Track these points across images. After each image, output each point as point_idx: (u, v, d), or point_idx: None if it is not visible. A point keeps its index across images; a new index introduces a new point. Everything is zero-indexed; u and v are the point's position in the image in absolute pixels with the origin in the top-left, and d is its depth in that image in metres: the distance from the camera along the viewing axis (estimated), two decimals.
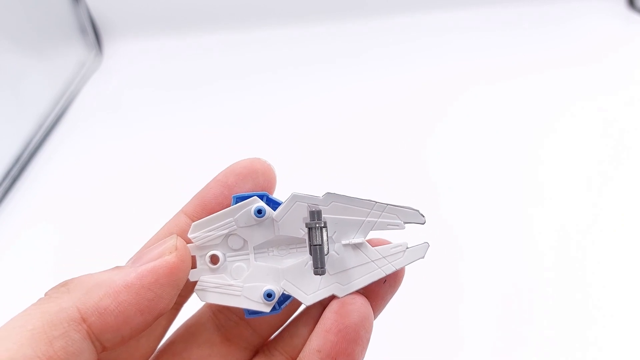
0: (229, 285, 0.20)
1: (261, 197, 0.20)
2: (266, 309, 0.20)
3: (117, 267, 0.18)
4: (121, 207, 0.49)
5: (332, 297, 0.20)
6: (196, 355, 0.21)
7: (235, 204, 0.20)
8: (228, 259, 0.20)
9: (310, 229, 0.19)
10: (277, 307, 0.20)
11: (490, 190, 0.47)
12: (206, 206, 0.21)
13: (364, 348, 0.19)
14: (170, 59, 0.73)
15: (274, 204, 0.20)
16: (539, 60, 0.65)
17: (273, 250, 0.21)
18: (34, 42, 0.63)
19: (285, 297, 0.20)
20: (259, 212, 0.20)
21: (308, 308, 0.21)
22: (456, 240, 0.43)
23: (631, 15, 0.72)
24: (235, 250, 0.20)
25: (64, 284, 0.17)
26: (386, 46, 0.71)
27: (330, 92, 0.63)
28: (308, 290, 0.20)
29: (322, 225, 0.19)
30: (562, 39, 0.69)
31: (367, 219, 0.20)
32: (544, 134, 0.53)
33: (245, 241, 0.20)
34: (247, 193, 0.20)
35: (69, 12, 0.70)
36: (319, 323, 0.20)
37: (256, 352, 0.22)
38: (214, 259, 0.20)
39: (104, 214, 0.49)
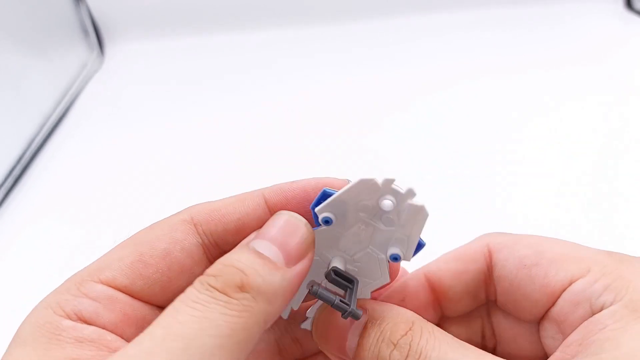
0: None
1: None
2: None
3: (270, 262, 0.17)
4: (123, 207, 0.50)
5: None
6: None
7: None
8: None
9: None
10: None
11: (489, 189, 0.47)
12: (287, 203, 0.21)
13: None
14: (171, 60, 0.73)
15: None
16: (538, 60, 0.65)
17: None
18: (36, 43, 0.63)
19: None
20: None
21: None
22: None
23: (629, 16, 0.72)
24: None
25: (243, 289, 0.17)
26: (386, 46, 0.71)
27: (330, 91, 0.63)
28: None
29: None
30: (560, 39, 0.69)
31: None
32: (542, 132, 0.53)
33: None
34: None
35: (71, 13, 0.71)
36: None
37: None
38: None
39: (105, 214, 0.49)
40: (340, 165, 0.52)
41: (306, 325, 0.22)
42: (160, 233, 0.20)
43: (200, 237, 0.20)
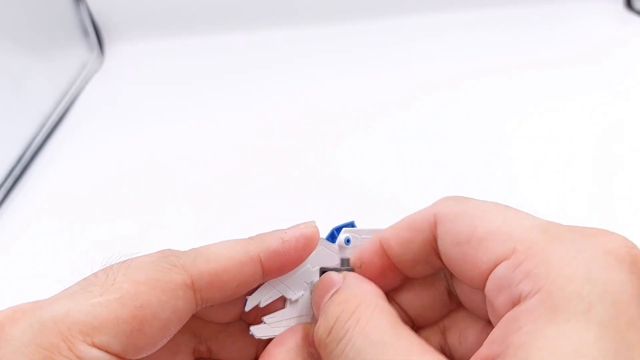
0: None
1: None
2: None
3: None
4: (123, 207, 0.50)
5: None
6: None
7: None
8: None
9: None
10: None
11: (489, 189, 0.47)
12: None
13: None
14: (171, 60, 0.73)
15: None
16: (538, 60, 0.65)
17: None
18: (36, 43, 0.63)
19: None
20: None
21: None
22: None
23: (629, 16, 0.72)
24: None
25: None
26: (386, 46, 0.71)
27: (329, 92, 0.63)
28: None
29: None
30: (560, 39, 0.69)
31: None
32: (541, 132, 0.53)
33: None
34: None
35: (71, 13, 0.71)
36: None
37: None
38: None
39: (105, 215, 0.49)
40: (339, 165, 0.52)
41: (257, 330, 0.22)
42: (164, 298, 0.19)
43: (197, 304, 0.20)
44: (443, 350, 0.22)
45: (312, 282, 0.23)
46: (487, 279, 0.18)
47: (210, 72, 0.70)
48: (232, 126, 0.59)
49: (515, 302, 0.16)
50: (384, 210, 0.45)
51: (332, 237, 0.24)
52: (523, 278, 0.16)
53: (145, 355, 0.19)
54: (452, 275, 0.22)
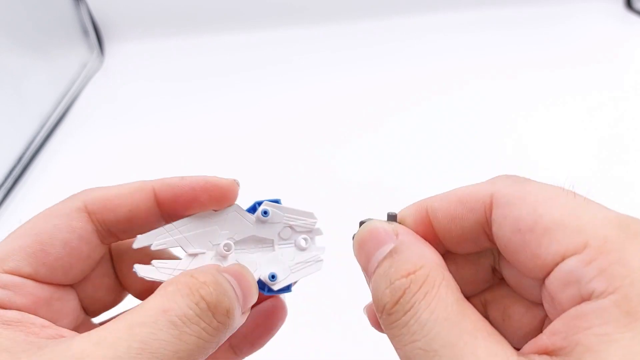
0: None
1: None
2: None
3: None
4: None
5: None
6: None
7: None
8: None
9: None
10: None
11: None
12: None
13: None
14: (171, 60, 0.73)
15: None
16: (538, 59, 0.65)
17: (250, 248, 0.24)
18: (36, 43, 0.63)
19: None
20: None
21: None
22: None
23: (629, 15, 0.72)
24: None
25: None
26: (387, 46, 0.71)
27: (329, 91, 0.63)
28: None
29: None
30: (560, 39, 0.69)
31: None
32: (541, 132, 0.53)
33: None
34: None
35: (71, 13, 0.71)
36: None
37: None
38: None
39: None
40: (339, 163, 0.52)
41: (141, 269, 0.21)
42: (58, 222, 0.21)
43: (95, 225, 0.22)
44: None
45: (218, 244, 0.23)
46: (550, 271, 0.17)
47: (210, 71, 0.70)
48: (232, 125, 0.60)
49: (585, 299, 0.15)
50: (384, 208, 0.45)
51: (253, 209, 0.24)
52: (596, 275, 0.15)
53: (67, 276, 0.21)
54: (499, 254, 0.21)
